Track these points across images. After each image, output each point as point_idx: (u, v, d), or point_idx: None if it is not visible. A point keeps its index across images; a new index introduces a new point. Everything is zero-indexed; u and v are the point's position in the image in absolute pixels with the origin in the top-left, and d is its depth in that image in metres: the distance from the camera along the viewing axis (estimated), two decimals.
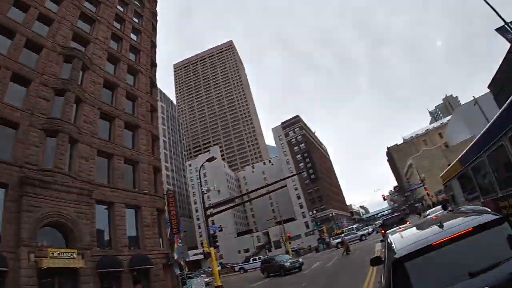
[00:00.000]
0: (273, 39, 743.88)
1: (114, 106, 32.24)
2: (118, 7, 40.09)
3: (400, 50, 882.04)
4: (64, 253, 20.88)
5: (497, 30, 22.57)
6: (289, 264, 31.67)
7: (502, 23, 22.12)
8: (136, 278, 25.94)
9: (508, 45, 24.13)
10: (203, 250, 31.19)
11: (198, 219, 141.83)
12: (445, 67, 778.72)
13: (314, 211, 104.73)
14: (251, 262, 60.97)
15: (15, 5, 27.12)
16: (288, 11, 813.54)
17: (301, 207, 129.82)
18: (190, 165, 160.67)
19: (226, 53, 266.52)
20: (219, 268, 34.22)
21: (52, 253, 20.27)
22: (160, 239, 30.83)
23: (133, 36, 40.79)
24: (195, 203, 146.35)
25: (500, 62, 35.22)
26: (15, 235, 19.63)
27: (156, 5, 50.37)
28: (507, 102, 7.01)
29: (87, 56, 30.71)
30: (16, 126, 22.89)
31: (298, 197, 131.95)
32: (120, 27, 38.89)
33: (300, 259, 31.48)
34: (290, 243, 76.13)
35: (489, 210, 5.40)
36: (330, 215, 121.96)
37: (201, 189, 31.21)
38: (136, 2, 44.33)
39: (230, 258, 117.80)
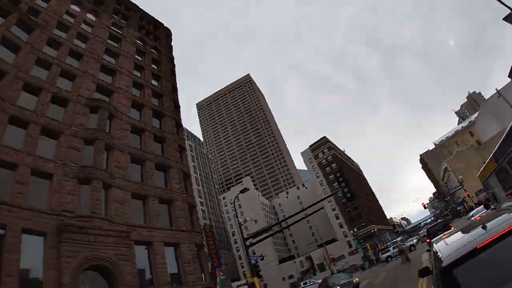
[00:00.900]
0: (287, 67, 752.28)
1: (143, 149, 33.42)
2: (136, 56, 42.60)
3: (414, 56, 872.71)
4: None
5: (505, 19, 22.32)
6: (345, 282, 28.68)
7: (508, 11, 21.93)
8: None
9: None
10: (246, 281, 30.82)
11: (237, 251, 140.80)
12: (462, 65, 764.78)
13: (355, 229, 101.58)
14: (302, 286, 61.82)
15: (38, 64, 29.82)
16: (295, 39, 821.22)
17: (341, 226, 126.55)
18: (224, 198, 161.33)
19: (245, 86, 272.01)
20: None
21: None
22: (202, 274, 30.74)
23: (154, 82, 42.84)
24: (233, 234, 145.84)
25: None
26: (57, 281, 20.51)
27: (171, 51, 52.84)
28: None
29: (112, 105, 32.68)
30: (50, 176, 24.47)
31: (337, 217, 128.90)
32: (140, 75, 41.16)
33: (356, 279, 29.90)
34: (334, 264, 74.50)
35: None
36: (372, 231, 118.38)
37: (238, 221, 31.01)
38: (152, 50, 46.92)
39: (274, 286, 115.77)
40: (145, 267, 26.90)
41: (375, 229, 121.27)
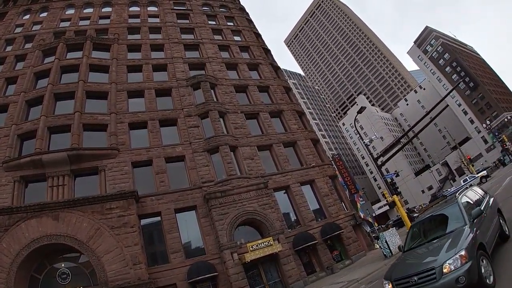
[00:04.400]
0: None
1: (252, 103, 34.99)
2: (210, 22, 43.96)
3: None
4: (262, 243, 23.78)
5: None
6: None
7: None
8: (330, 245, 27.61)
9: None
10: (387, 201, 30.63)
11: (371, 173, 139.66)
12: None
13: (487, 122, 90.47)
14: (462, 184, 45.67)
15: (130, 71, 34.10)
16: None
17: (472, 122, 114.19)
18: (343, 124, 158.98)
19: (325, 4, 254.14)
20: (406, 213, 32.91)
21: (252, 247, 23.41)
22: (342, 203, 31.64)
23: (237, 38, 43.48)
24: (363, 158, 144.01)
25: None
26: (216, 243, 24.04)
27: (239, 1, 52.56)
28: None
29: (209, 75, 34.55)
30: (182, 158, 28.20)
31: (465, 113, 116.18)
32: (221, 37, 42.23)
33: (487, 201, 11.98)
34: (473, 165, 69.13)
35: None
36: (506, 119, 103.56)
37: (363, 142, 30.54)
38: (221, 9, 47.56)
39: (416, 200, 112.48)
40: (288, 210, 29.01)
41: (509, 117, 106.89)
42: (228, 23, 45.31)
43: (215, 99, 32.50)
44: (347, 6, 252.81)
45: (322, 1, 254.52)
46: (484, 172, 46.03)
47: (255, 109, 34.21)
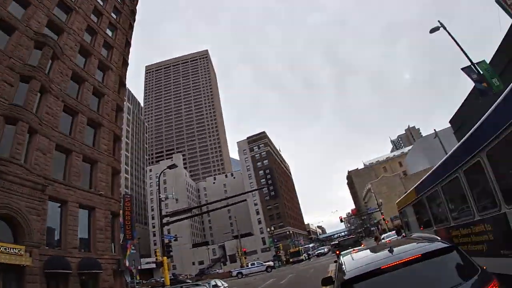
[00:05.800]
0: (244, 56, 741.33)
1: (79, 100, 30.99)
2: (98, 0, 39.05)
3: (366, 80, 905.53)
4: (12, 249, 19.33)
5: (463, 69, 23.05)
6: None
7: (467, 63, 22.83)
8: (84, 282, 24.77)
9: (472, 84, 24.47)
10: (156, 259, 29.95)
11: (153, 227, 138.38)
12: (410, 100, 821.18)
13: (272, 228, 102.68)
14: (250, 267, 57.91)
15: None
16: (260, 33, 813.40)
17: (259, 222, 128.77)
18: (151, 170, 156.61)
19: (200, 61, 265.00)
20: (172, 277, 33.16)
21: None
22: (112, 244, 29.78)
23: (109, 32, 39.84)
24: (152, 210, 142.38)
25: (463, 101, 35.02)
26: None
27: (136, 3, 49.62)
28: (462, 140, 7.27)
29: (58, 45, 29.38)
30: None
31: (257, 213, 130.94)
32: (97, 20, 37.81)
33: None
34: (245, 258, 75.74)
35: (439, 238, 5.26)
36: (288, 232, 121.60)
37: (159, 196, 30.28)
38: None
39: (184, 269, 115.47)
40: (55, 226, 25.18)
41: (291, 231, 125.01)
42: (112, 14, 41.40)
43: (47, 71, 27.38)
44: (215, 77, 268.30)
45: (200, 58, 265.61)
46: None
47: (78, 107, 30.47)
